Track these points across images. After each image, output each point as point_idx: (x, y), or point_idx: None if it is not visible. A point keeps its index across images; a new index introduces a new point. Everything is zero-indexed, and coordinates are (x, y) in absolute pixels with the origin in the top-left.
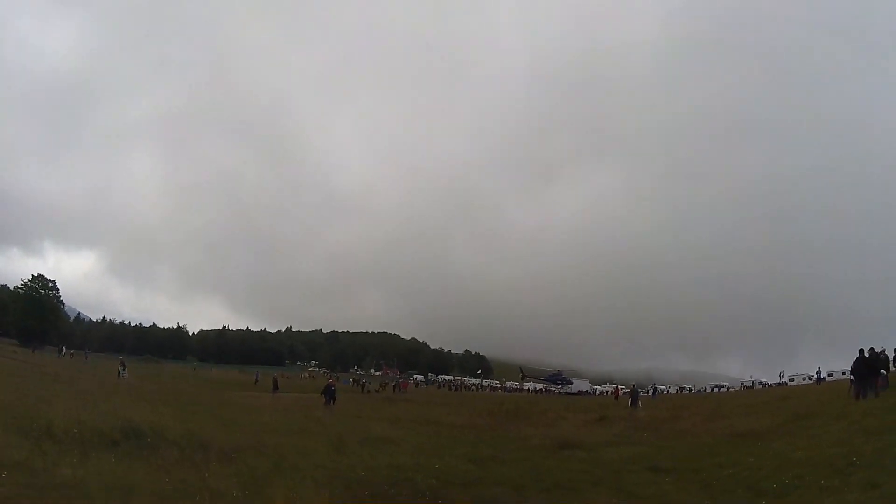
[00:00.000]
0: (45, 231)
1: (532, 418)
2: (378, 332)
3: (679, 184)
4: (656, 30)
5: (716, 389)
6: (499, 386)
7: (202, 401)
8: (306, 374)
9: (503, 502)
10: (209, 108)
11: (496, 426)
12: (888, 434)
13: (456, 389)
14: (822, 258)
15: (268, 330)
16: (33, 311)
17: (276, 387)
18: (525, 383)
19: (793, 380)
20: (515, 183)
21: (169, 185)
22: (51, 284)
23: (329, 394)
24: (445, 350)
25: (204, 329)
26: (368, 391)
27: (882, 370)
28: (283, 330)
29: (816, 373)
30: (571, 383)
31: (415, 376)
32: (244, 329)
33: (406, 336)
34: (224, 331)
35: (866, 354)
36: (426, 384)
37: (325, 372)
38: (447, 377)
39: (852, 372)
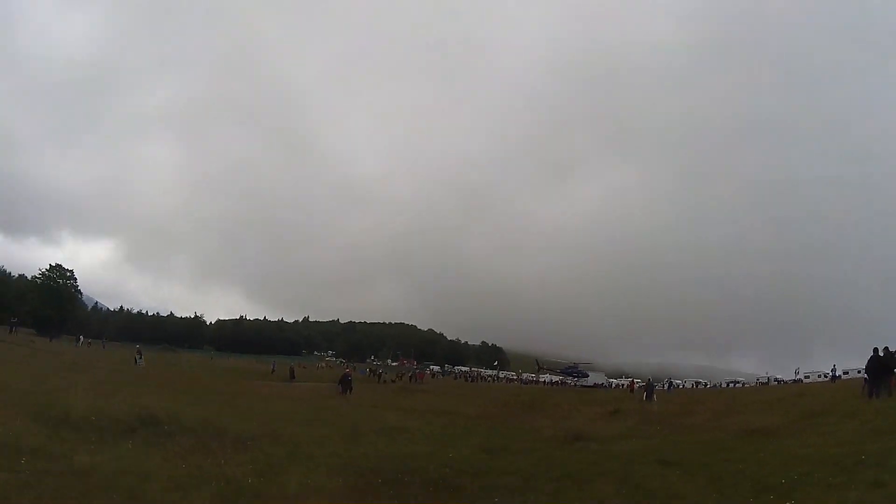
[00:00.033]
0: (63, 220)
1: (546, 410)
2: (395, 323)
3: (696, 181)
4: (672, 29)
5: (731, 385)
6: (515, 378)
7: (218, 389)
8: (323, 364)
9: (511, 491)
10: (227, 99)
11: (510, 417)
12: None
13: (472, 380)
14: (839, 259)
15: (285, 320)
16: (51, 300)
17: (292, 376)
18: (541, 375)
19: (808, 377)
20: (532, 177)
21: (186, 175)
22: (68, 274)
23: (345, 383)
24: (462, 341)
25: (221, 318)
26: (385, 381)
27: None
28: (301, 320)
29: (831, 371)
30: (587, 376)
31: (431, 367)
32: (261, 319)
33: (423, 327)
34: (241, 320)
35: (881, 354)
36: (443, 375)
37: (341, 362)
38: (463, 368)
39: (866, 371)
